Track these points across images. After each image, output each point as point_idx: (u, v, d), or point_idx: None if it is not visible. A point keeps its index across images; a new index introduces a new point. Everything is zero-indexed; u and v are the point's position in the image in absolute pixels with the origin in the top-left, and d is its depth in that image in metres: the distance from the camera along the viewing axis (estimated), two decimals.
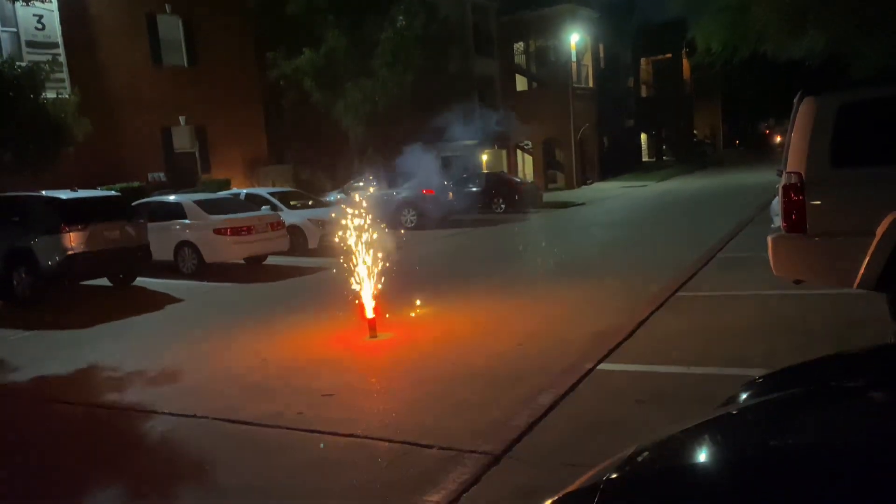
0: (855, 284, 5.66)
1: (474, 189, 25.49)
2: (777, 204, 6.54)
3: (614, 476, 1.54)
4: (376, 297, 7.91)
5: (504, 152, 36.09)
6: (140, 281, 13.14)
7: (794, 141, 5.91)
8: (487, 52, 35.40)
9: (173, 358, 7.66)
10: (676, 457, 1.64)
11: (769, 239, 6.16)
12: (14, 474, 4.92)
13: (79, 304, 11.67)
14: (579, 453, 4.25)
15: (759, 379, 2.27)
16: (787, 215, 5.88)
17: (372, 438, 4.86)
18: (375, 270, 8.05)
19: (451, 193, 22.39)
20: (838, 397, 1.83)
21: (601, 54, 40.52)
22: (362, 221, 8.05)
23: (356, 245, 8.02)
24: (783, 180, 5.92)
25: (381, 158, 19.57)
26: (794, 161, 5.85)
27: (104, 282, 12.99)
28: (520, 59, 38.10)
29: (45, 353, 8.34)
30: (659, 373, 5.84)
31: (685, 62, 48.24)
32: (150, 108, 22.11)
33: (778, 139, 51.43)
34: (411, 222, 21.06)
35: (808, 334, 6.44)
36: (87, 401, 6.30)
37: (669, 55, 48.49)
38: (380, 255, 8.14)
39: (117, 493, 4.49)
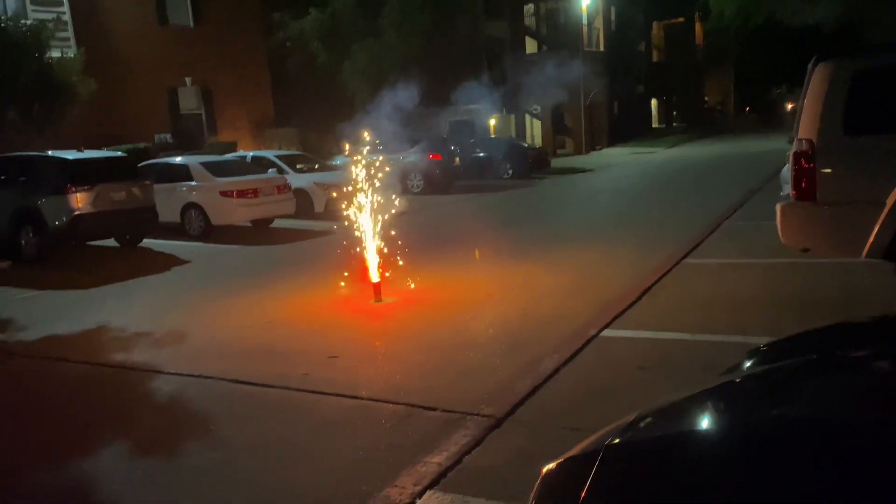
0: (863, 254, 5.62)
1: (482, 154, 25.30)
2: (787, 172, 6.48)
3: (615, 442, 1.54)
4: (381, 262, 7.91)
5: (512, 117, 35.74)
6: (146, 242, 13.18)
7: (806, 108, 5.83)
8: (497, 14, 34.83)
9: (179, 319, 7.71)
10: (678, 424, 1.64)
11: (778, 207, 6.11)
12: (23, 431, 4.99)
13: (86, 265, 11.73)
14: (581, 418, 4.28)
15: (763, 347, 2.26)
16: (796, 183, 5.82)
17: (376, 400, 4.90)
18: (380, 235, 8.04)
19: (457, 158, 22.26)
20: (843, 367, 1.82)
21: (612, 17, 39.86)
22: (368, 186, 8.02)
23: (361, 210, 8.00)
24: (794, 147, 5.85)
25: (387, 122, 19.40)
26: (806, 128, 5.77)
27: (111, 243, 13.04)
28: (530, 21, 37.53)
29: (53, 313, 8.41)
30: (663, 340, 5.85)
31: (698, 26, 47.44)
32: (155, 68, 21.95)
33: (790, 106, 50.75)
34: (417, 187, 20.97)
35: (813, 303, 6.43)
36: (95, 360, 6.36)
37: (682, 19, 47.64)
38: (385, 219, 8.12)
39: (124, 451, 4.55)
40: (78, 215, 11.41)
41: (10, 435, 4.94)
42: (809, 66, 5.92)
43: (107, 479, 4.10)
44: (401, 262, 8.40)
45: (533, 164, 25.22)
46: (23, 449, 4.67)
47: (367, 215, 8.00)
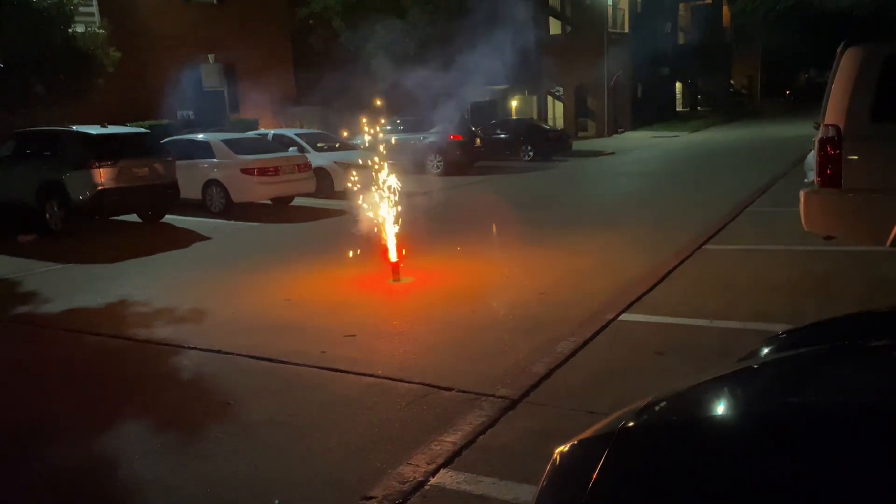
0: (888, 242, 5.54)
1: (503, 135, 25.17)
2: (812, 158, 6.38)
3: (630, 425, 1.53)
4: (400, 242, 7.93)
5: (534, 98, 35.45)
6: (168, 218, 13.30)
7: (834, 93, 5.73)
8: None
9: (200, 294, 7.80)
10: (693, 408, 1.63)
11: (801, 193, 6.03)
12: (45, 402, 5.09)
13: (109, 239, 11.87)
14: (596, 401, 4.28)
15: (782, 334, 2.24)
16: (822, 170, 5.74)
17: (392, 379, 4.93)
18: (400, 215, 8.05)
19: (478, 140, 22.16)
20: (863, 355, 1.80)
21: None
22: (388, 166, 8.02)
23: (381, 189, 8.00)
24: (820, 133, 5.76)
25: (409, 102, 19.34)
26: (833, 114, 5.67)
27: (134, 218, 13.18)
28: (554, 1, 37.04)
29: (77, 286, 8.53)
30: (681, 325, 5.82)
31: (725, 9, 46.57)
32: (179, 44, 22.00)
33: None
34: (438, 168, 20.93)
35: (835, 291, 6.36)
36: (117, 333, 6.46)
37: (709, 1, 46.79)
38: (404, 199, 8.11)
39: (144, 423, 4.62)
40: (102, 190, 11.55)
41: (32, 405, 5.04)
42: (838, 50, 5.80)
43: (126, 450, 4.17)
44: (419, 243, 8.40)
45: (554, 147, 25.03)
46: (45, 419, 4.76)
47: (386, 195, 8.00)
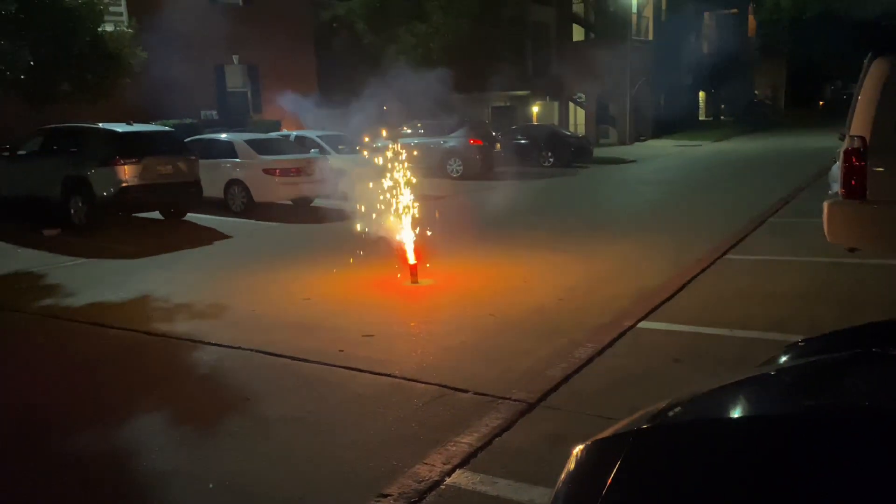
0: None
1: (523, 141, 25.14)
2: (837, 169, 6.33)
3: (646, 426, 1.54)
4: (418, 244, 7.96)
5: (556, 104, 35.37)
6: (190, 216, 13.44)
7: (860, 104, 5.68)
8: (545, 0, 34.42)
9: (220, 291, 7.88)
10: (709, 411, 1.64)
11: (825, 204, 5.99)
12: (66, 393, 5.17)
13: (132, 235, 12.02)
14: (613, 406, 4.27)
15: (801, 342, 2.23)
16: (846, 181, 5.69)
17: (408, 380, 4.96)
18: (419, 218, 8.09)
19: (498, 144, 22.16)
20: (880, 362, 1.80)
21: (663, 6, 39.05)
22: (407, 169, 8.07)
23: (400, 192, 8.05)
24: (845, 144, 5.71)
25: (430, 106, 19.39)
26: (859, 125, 5.63)
27: (156, 215, 13.34)
28: (578, 7, 36.97)
29: (99, 280, 8.66)
30: (700, 334, 5.79)
31: (751, 18, 46.21)
32: (204, 45, 22.20)
33: None
34: (457, 172, 20.95)
35: (856, 303, 6.29)
36: (138, 328, 6.55)
37: (735, 10, 46.42)
38: (423, 203, 8.16)
39: (163, 417, 4.69)
40: (125, 187, 11.70)
41: (55, 397, 5.13)
42: (865, 60, 5.76)
43: (145, 441, 4.23)
44: (438, 246, 8.43)
45: (575, 153, 24.94)
46: (67, 410, 4.84)
47: (405, 199, 8.05)
